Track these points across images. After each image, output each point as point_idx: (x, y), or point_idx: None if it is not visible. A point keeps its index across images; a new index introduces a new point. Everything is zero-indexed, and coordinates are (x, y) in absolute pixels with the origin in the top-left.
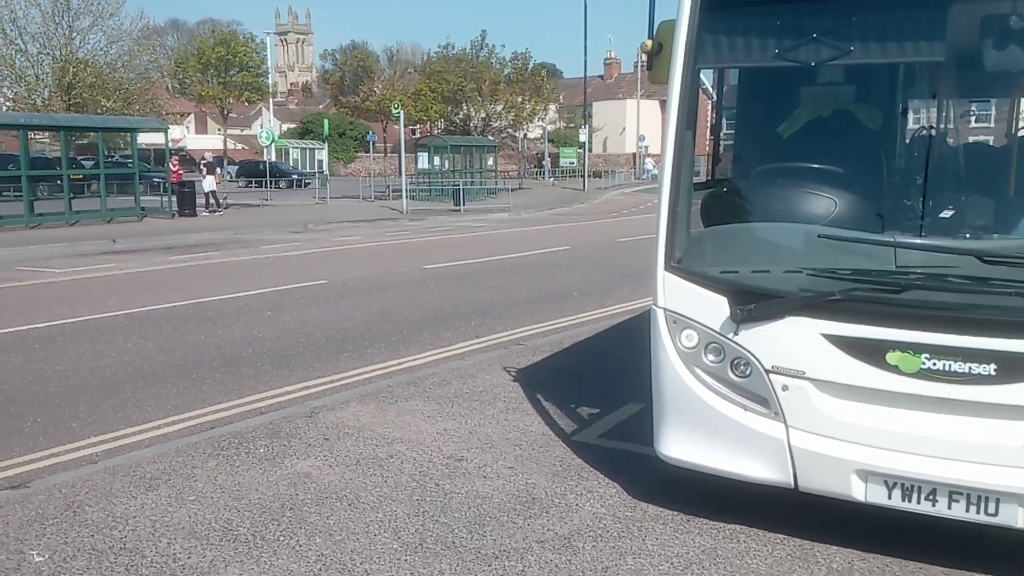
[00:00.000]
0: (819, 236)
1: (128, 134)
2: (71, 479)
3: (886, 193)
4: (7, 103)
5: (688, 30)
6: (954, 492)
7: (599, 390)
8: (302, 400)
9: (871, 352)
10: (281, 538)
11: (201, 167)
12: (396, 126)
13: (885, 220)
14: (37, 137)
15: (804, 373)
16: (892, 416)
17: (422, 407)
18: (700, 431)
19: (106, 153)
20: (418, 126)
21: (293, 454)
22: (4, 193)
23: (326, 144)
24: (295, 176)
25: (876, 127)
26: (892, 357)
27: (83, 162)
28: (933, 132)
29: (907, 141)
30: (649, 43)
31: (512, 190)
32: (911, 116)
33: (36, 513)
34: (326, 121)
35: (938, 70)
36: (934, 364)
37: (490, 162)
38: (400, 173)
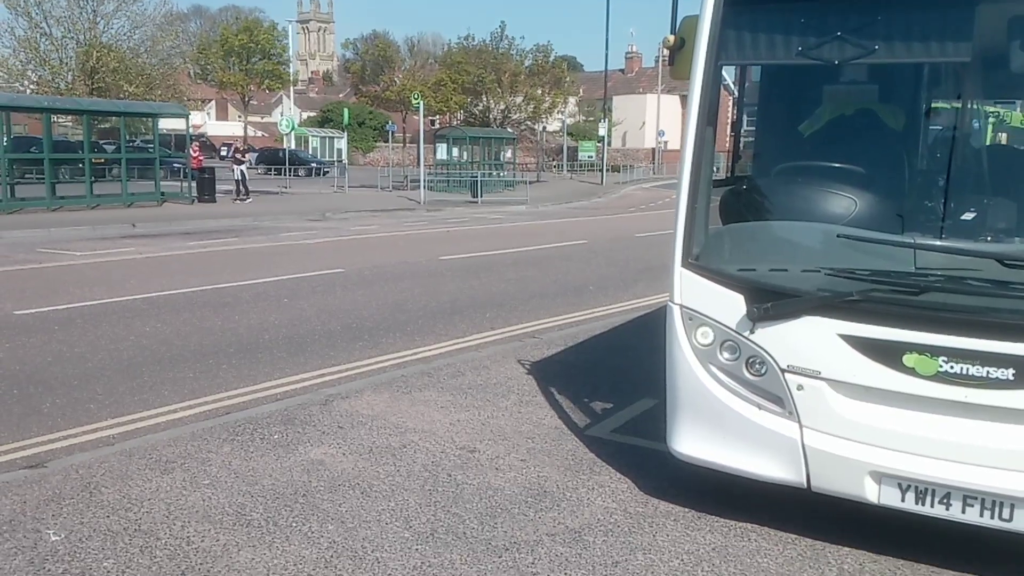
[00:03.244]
0: (838, 236)
1: (149, 119)
2: (88, 460)
3: (907, 194)
4: (31, 86)
5: (711, 26)
6: (968, 496)
7: (613, 385)
8: (317, 387)
9: (888, 354)
10: (293, 524)
11: (233, 155)
12: (416, 116)
13: (905, 221)
14: (60, 121)
15: (820, 373)
16: (908, 418)
17: (436, 397)
18: (713, 428)
19: (127, 138)
20: (437, 117)
21: (307, 441)
22: (27, 176)
23: (345, 133)
24: (314, 164)
25: (899, 127)
26: (909, 359)
27: (105, 146)
28: (956, 133)
29: (929, 142)
30: (671, 38)
31: (530, 183)
32: (934, 117)
33: (53, 493)
34: (346, 110)
35: (963, 70)
36: (952, 367)
37: (508, 154)
38: (419, 163)
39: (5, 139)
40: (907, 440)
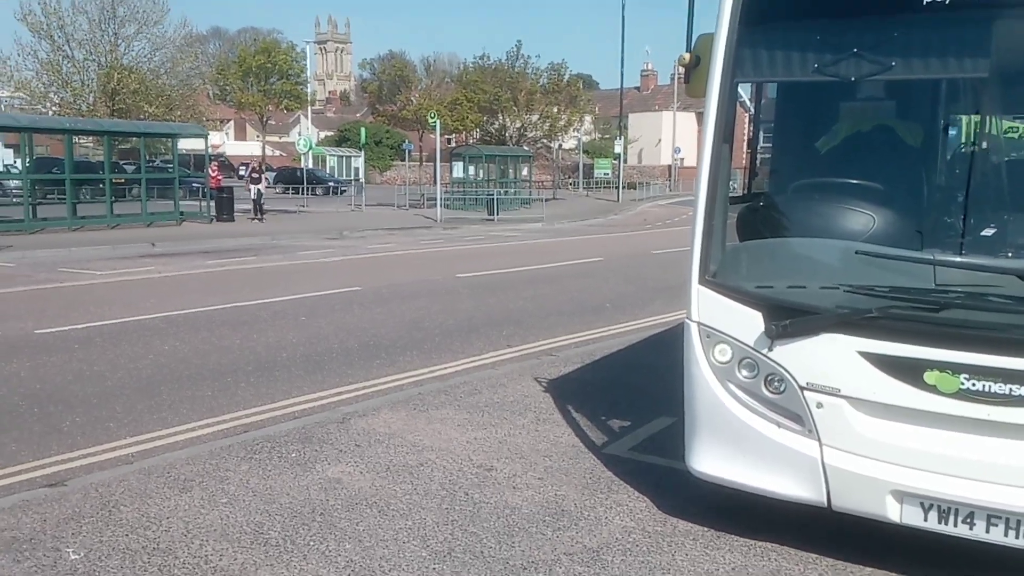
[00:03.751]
0: (857, 252)
1: (169, 139)
2: (107, 478)
3: (926, 210)
4: (53, 108)
5: (726, 44)
6: (992, 516)
7: (630, 403)
8: (335, 405)
9: (908, 371)
10: (311, 543)
11: (250, 175)
12: (432, 135)
13: (924, 237)
14: (81, 141)
15: (839, 391)
16: (929, 436)
17: (453, 415)
18: (732, 447)
19: (147, 158)
20: (454, 135)
21: (324, 459)
22: (49, 196)
23: (363, 152)
24: (331, 183)
25: (916, 143)
26: (930, 376)
27: (125, 166)
28: (975, 149)
29: (948, 158)
30: (687, 56)
31: (546, 200)
32: (952, 132)
33: (73, 511)
34: (363, 129)
35: (981, 86)
36: (973, 384)
37: (524, 172)
38: (435, 182)
39: (28, 160)
40: (929, 459)
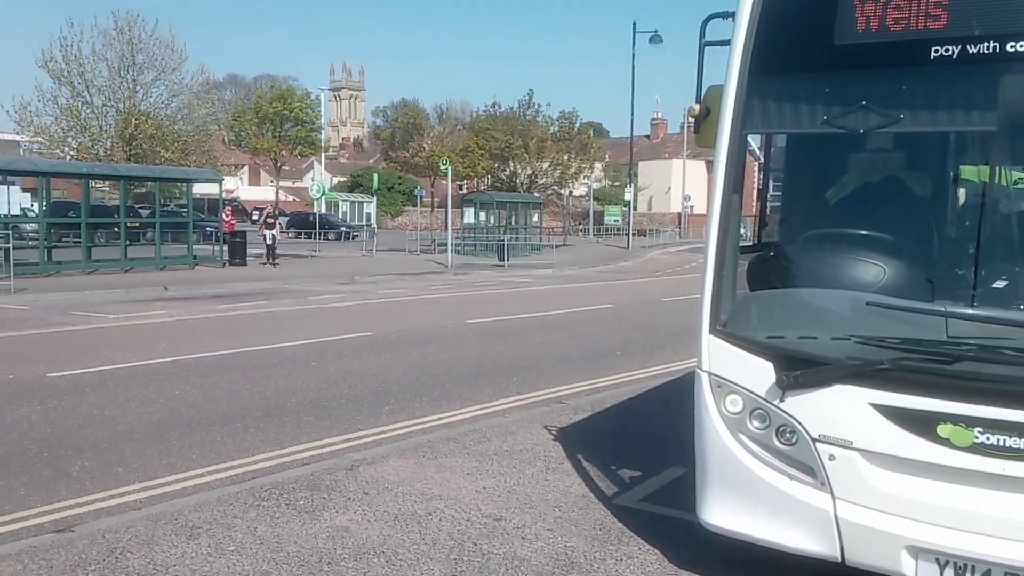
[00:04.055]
0: (868, 303)
1: (184, 184)
2: (114, 525)
3: (937, 261)
4: (71, 152)
5: (736, 95)
6: (1009, 573)
7: (641, 452)
8: (343, 452)
9: (921, 424)
10: None
11: (264, 220)
12: (444, 181)
13: (936, 289)
14: (97, 185)
15: (852, 443)
16: (944, 491)
17: (462, 464)
18: (744, 499)
19: (162, 202)
20: (465, 182)
21: (332, 507)
22: (64, 239)
23: (375, 198)
24: (344, 228)
25: (926, 194)
26: (944, 430)
27: (140, 210)
28: (984, 200)
29: (958, 209)
30: (697, 107)
31: (556, 246)
32: (962, 184)
33: (79, 558)
34: (375, 175)
35: (989, 138)
36: (988, 438)
37: (535, 218)
38: (446, 227)
39: (44, 204)
40: (944, 513)
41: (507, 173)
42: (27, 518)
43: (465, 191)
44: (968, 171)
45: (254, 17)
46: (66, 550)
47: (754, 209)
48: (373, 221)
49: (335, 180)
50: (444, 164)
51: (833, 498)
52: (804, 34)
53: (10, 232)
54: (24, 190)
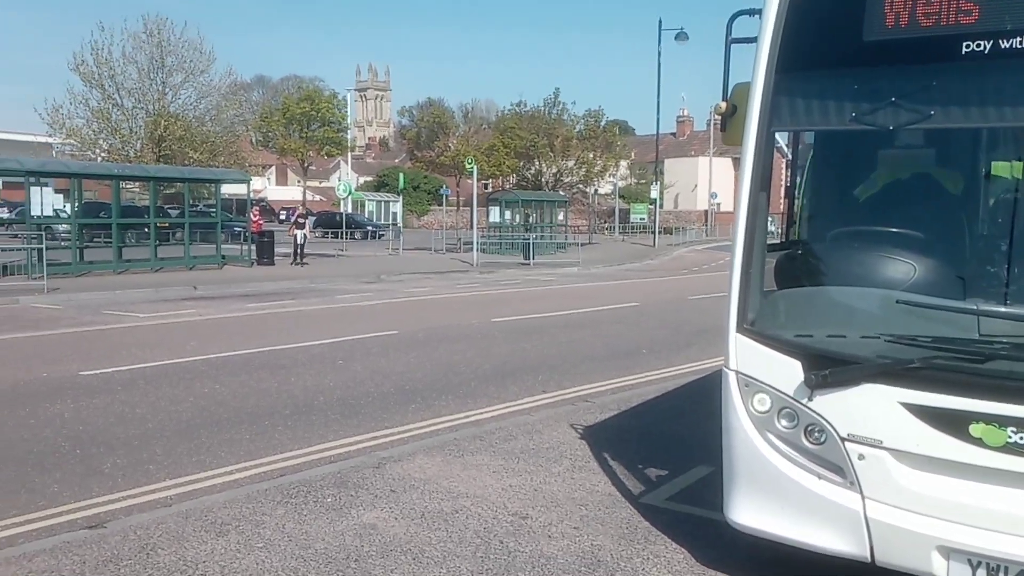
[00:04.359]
0: (897, 301)
1: (212, 185)
2: (146, 521)
3: (968, 259)
4: (102, 154)
5: (763, 93)
6: None
7: (667, 451)
8: (370, 450)
9: (953, 423)
10: None
11: (296, 220)
12: (469, 180)
13: (967, 287)
14: (127, 186)
15: (882, 442)
16: (976, 491)
17: (488, 462)
18: (772, 498)
19: (191, 202)
20: (490, 180)
21: (360, 504)
22: (95, 239)
23: (401, 197)
24: (370, 227)
25: (957, 191)
26: (976, 429)
27: (169, 210)
28: (1017, 196)
29: (989, 206)
30: (723, 105)
31: (582, 245)
32: (993, 180)
33: (111, 554)
34: (402, 175)
35: (1022, 133)
36: (1021, 438)
37: (560, 217)
38: (472, 226)
39: (76, 205)
40: (976, 514)
41: (532, 172)
42: (61, 514)
43: (490, 190)
44: (1000, 167)
45: (281, 19)
46: (98, 546)
47: (781, 206)
48: (399, 220)
49: (361, 180)
50: (469, 163)
51: (863, 498)
52: (832, 31)
53: (43, 233)
54: (56, 191)
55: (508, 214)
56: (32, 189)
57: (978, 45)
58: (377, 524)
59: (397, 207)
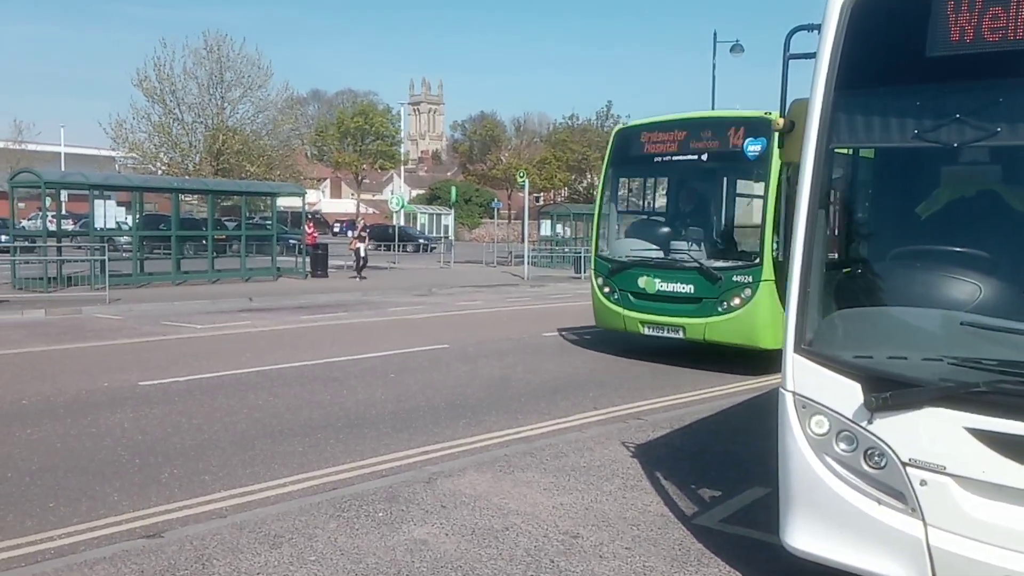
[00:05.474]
0: (962, 323)
1: (269, 198)
2: (201, 531)
3: None
4: (163, 167)
5: (822, 109)
6: None
7: (721, 471)
8: (421, 465)
9: (1021, 450)
10: None
11: (359, 233)
12: (520, 193)
13: None
14: (186, 199)
15: (945, 468)
16: None
17: (539, 479)
18: (829, 523)
19: (247, 215)
20: (542, 194)
21: (411, 520)
22: (155, 251)
23: (452, 210)
24: (422, 240)
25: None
26: None
27: (226, 223)
28: None
29: None
30: (781, 121)
31: None
32: None
33: (168, 563)
34: (453, 188)
35: None
36: None
37: None
38: (523, 239)
39: (137, 217)
40: None
41: (584, 185)
42: (120, 523)
43: (542, 203)
44: None
45: (336, 34)
46: (156, 555)
47: (840, 224)
48: (451, 233)
49: (414, 193)
50: (521, 176)
51: (925, 525)
52: (893, 47)
53: (106, 244)
54: (119, 204)
55: (559, 227)
56: (96, 202)
57: None
58: (428, 540)
59: (449, 220)
